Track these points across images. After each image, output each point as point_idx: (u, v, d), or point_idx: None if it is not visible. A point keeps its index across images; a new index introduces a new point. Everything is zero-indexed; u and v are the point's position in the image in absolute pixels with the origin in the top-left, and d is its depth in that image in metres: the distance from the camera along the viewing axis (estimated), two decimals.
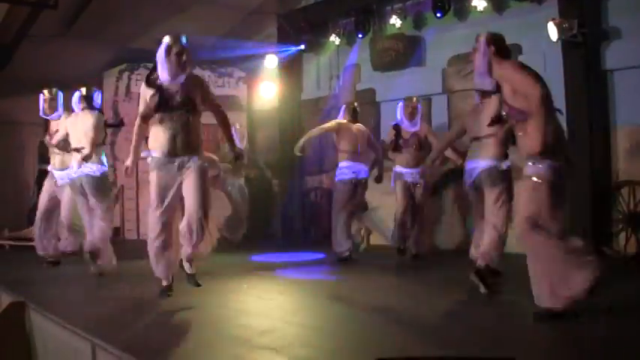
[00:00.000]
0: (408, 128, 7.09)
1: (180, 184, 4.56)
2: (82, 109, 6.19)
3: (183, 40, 4.53)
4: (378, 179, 7.34)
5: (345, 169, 7.17)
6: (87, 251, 6.09)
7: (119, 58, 10.47)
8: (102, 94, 6.68)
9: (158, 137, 4.56)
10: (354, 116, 7.33)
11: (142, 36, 9.84)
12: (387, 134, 7.54)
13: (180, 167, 4.54)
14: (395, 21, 8.69)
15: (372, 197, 7.95)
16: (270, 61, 10.12)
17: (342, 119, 7.35)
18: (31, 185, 9.74)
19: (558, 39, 6.80)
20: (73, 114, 6.34)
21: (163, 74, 4.51)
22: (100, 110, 6.32)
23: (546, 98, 3.81)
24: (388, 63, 8.96)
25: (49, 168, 6.85)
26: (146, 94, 4.61)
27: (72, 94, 6.34)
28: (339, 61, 9.95)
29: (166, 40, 4.50)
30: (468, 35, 7.99)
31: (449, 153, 6.44)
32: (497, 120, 4.68)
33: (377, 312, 4.37)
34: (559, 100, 6.99)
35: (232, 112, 7.09)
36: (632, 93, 6.76)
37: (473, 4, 7.81)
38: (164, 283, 4.77)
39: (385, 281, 5.89)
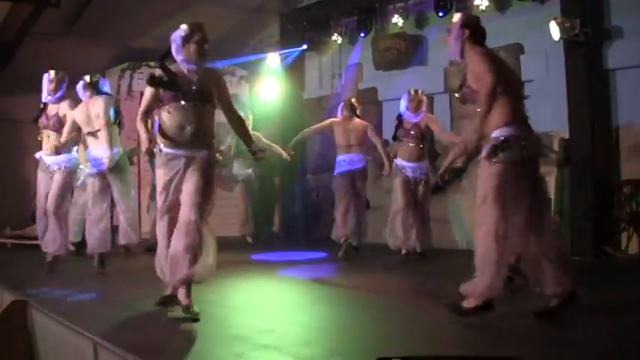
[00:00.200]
0: (410, 119, 6.91)
1: (182, 178, 4.19)
2: (90, 97, 6.23)
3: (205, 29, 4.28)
4: (385, 170, 7.25)
5: (341, 161, 7.34)
6: (122, 245, 6.37)
7: (121, 56, 10.48)
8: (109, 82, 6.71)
9: (167, 129, 4.23)
10: (352, 112, 7.38)
11: (144, 35, 9.85)
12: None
13: (188, 162, 4.18)
14: (397, 20, 8.71)
15: (374, 197, 7.95)
16: (273, 60, 10.13)
17: (339, 116, 7.44)
18: (33, 184, 9.74)
19: (560, 38, 6.80)
20: (80, 103, 6.32)
21: (181, 61, 4.24)
22: (111, 95, 6.45)
23: (495, 88, 3.72)
24: (390, 62, 8.97)
25: (40, 155, 6.50)
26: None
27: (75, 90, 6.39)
28: (341, 60, 9.97)
29: (188, 26, 4.22)
30: None
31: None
32: (460, 98, 4.62)
33: (378, 311, 4.38)
34: (560, 100, 7.04)
35: None
36: (635, 92, 6.76)
37: (475, 3, 7.79)
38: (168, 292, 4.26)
39: (386, 280, 5.88)
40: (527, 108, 5.68)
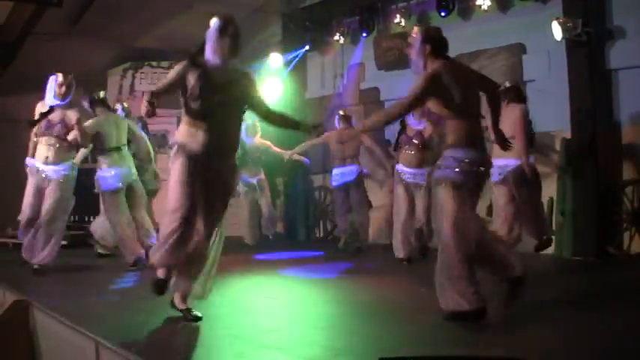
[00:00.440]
0: (414, 126, 6.84)
1: (206, 184, 3.79)
2: (104, 112, 6.58)
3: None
4: (387, 171, 7.65)
5: (336, 175, 7.83)
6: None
7: (123, 56, 10.49)
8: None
9: (194, 135, 3.75)
10: (347, 123, 7.85)
11: (146, 34, 9.86)
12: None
13: (214, 173, 3.81)
14: (399, 20, 8.71)
15: (375, 197, 7.95)
16: (275, 60, 10.12)
17: (338, 127, 7.89)
18: None
19: (563, 38, 6.79)
20: (111, 115, 6.67)
21: (214, 57, 3.84)
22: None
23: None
24: (392, 62, 8.98)
25: (33, 163, 6.22)
26: (186, 73, 3.79)
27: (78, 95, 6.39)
28: (343, 60, 9.97)
29: (221, 18, 3.91)
30: (472, 34, 8.05)
31: None
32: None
33: (380, 311, 4.37)
34: (563, 100, 7.03)
35: None
36: (637, 92, 6.75)
37: (477, 3, 7.81)
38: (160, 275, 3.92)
39: (388, 280, 5.87)
40: (529, 108, 5.70)
